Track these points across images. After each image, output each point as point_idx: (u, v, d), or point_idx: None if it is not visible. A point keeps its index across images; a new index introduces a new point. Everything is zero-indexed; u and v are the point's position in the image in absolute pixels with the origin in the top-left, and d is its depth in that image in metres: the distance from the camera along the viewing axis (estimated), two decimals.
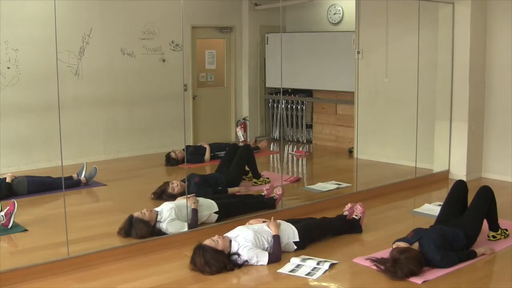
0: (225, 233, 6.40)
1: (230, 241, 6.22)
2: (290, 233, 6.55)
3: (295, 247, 6.55)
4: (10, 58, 10.42)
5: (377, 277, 5.90)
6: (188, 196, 7.45)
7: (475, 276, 5.98)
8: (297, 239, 6.56)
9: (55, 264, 6.14)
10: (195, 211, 7.27)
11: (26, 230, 7.36)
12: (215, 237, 6.13)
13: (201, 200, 7.59)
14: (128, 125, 11.92)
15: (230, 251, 6.16)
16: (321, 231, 6.96)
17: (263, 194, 8.36)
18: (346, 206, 7.47)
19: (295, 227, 6.64)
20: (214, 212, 7.57)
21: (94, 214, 8.24)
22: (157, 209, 7.32)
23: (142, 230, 6.94)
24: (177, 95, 11.46)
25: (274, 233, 6.38)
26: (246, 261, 6.16)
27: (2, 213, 7.33)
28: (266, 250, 6.28)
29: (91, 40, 11.28)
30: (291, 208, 8.09)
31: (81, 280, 5.97)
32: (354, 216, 7.31)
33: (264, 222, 6.69)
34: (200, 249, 6.03)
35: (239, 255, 6.14)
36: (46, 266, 6.08)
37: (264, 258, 6.18)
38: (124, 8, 11.67)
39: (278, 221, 6.64)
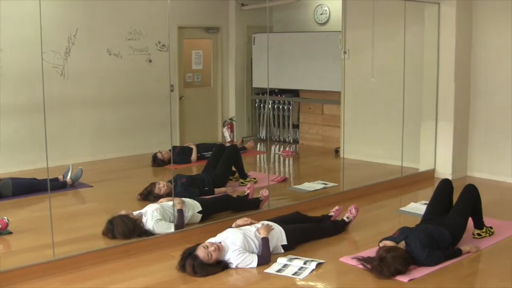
0: (211, 236, 6.39)
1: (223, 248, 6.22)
2: (279, 236, 6.54)
3: (282, 250, 6.55)
4: None
5: (364, 276, 5.92)
6: (174, 198, 7.46)
7: (460, 273, 6.02)
8: (285, 242, 6.57)
9: (41, 266, 6.11)
10: (181, 212, 7.27)
11: (11, 232, 7.30)
12: (211, 249, 6.04)
13: (184, 199, 7.59)
14: (114, 125, 11.89)
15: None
16: (310, 235, 6.97)
17: (246, 194, 8.38)
18: (334, 207, 7.50)
19: (283, 229, 6.65)
20: (198, 212, 7.57)
21: (80, 215, 8.21)
22: (141, 210, 7.36)
23: (120, 226, 6.98)
24: (163, 96, 11.44)
25: (263, 236, 6.37)
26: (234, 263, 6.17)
27: None
28: (254, 253, 6.28)
29: (77, 41, 11.23)
30: (277, 208, 8.07)
31: (67, 282, 5.95)
32: (344, 218, 7.33)
33: (252, 223, 6.68)
34: (192, 259, 5.99)
35: (227, 263, 6.15)
36: (32, 268, 6.06)
37: (253, 262, 6.17)
38: (110, 8, 11.64)
39: (270, 223, 6.64)
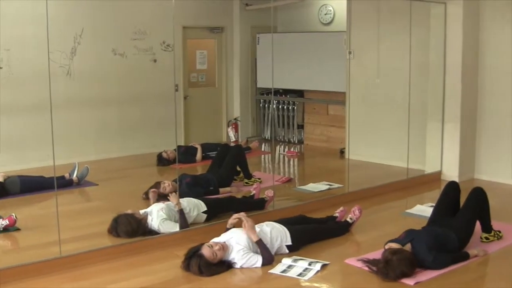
0: (216, 236, 6.39)
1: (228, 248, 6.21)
2: (283, 236, 6.54)
3: (287, 250, 6.55)
4: (2, 58, 10.40)
5: (369, 278, 5.90)
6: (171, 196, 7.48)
7: (467, 277, 5.99)
8: (290, 243, 6.56)
9: (47, 263, 6.15)
10: (181, 212, 7.26)
11: (18, 229, 7.35)
12: (216, 248, 6.05)
13: (189, 200, 7.61)
14: (119, 125, 11.91)
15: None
16: (315, 235, 6.96)
17: (252, 194, 8.38)
18: (339, 209, 7.49)
19: (288, 229, 6.64)
20: (203, 212, 7.58)
21: (86, 213, 8.25)
22: (147, 209, 7.37)
23: (124, 225, 7.02)
24: (168, 95, 11.41)
25: (255, 240, 6.32)
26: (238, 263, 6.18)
27: (2, 224, 7.26)
28: (259, 253, 6.26)
29: (83, 41, 11.26)
30: (282, 208, 8.08)
31: (73, 279, 5.98)
32: (348, 219, 7.32)
33: (239, 219, 6.61)
34: (197, 258, 5.99)
35: (232, 263, 6.15)
36: (38, 265, 6.09)
37: (258, 262, 6.17)
38: (116, 8, 11.65)
39: (270, 223, 6.64)
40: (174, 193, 7.43)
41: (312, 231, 6.98)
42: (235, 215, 6.65)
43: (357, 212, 7.34)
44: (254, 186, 8.60)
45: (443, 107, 10.01)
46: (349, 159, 10.50)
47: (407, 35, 10.00)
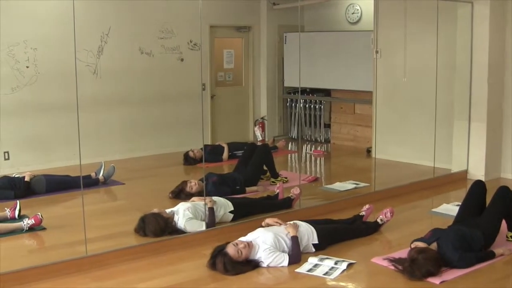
0: (242, 235, 6.39)
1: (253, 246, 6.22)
2: (310, 235, 6.54)
3: (314, 249, 6.54)
4: (29, 57, 10.47)
5: (395, 277, 5.88)
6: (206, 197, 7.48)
7: (493, 276, 5.96)
8: (316, 241, 6.55)
9: (73, 262, 6.18)
10: (211, 210, 7.28)
11: (44, 228, 7.38)
12: (241, 246, 6.05)
13: (216, 199, 7.61)
14: (146, 124, 11.95)
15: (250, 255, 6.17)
16: (342, 235, 6.94)
17: (276, 193, 8.37)
18: (364, 206, 7.46)
19: (315, 228, 6.63)
20: (229, 212, 7.58)
21: (112, 213, 8.28)
22: (173, 209, 7.39)
23: (152, 224, 7.02)
24: (195, 94, 11.46)
25: (292, 234, 6.36)
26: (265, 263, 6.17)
27: (28, 223, 7.31)
28: (285, 252, 6.27)
29: (110, 39, 11.31)
30: (309, 207, 8.08)
31: (98, 278, 6.00)
32: (378, 220, 7.28)
33: (280, 224, 6.66)
34: (222, 256, 6.00)
35: (258, 262, 6.15)
36: (64, 264, 6.12)
37: (284, 261, 6.16)
38: (142, 7, 11.68)
39: (297, 222, 6.63)
40: (211, 199, 7.47)
41: (339, 231, 6.96)
42: (278, 220, 6.71)
43: (388, 214, 7.30)
44: (277, 185, 8.60)
45: (469, 106, 9.95)
46: (376, 158, 10.45)
47: (434, 34, 9.96)
